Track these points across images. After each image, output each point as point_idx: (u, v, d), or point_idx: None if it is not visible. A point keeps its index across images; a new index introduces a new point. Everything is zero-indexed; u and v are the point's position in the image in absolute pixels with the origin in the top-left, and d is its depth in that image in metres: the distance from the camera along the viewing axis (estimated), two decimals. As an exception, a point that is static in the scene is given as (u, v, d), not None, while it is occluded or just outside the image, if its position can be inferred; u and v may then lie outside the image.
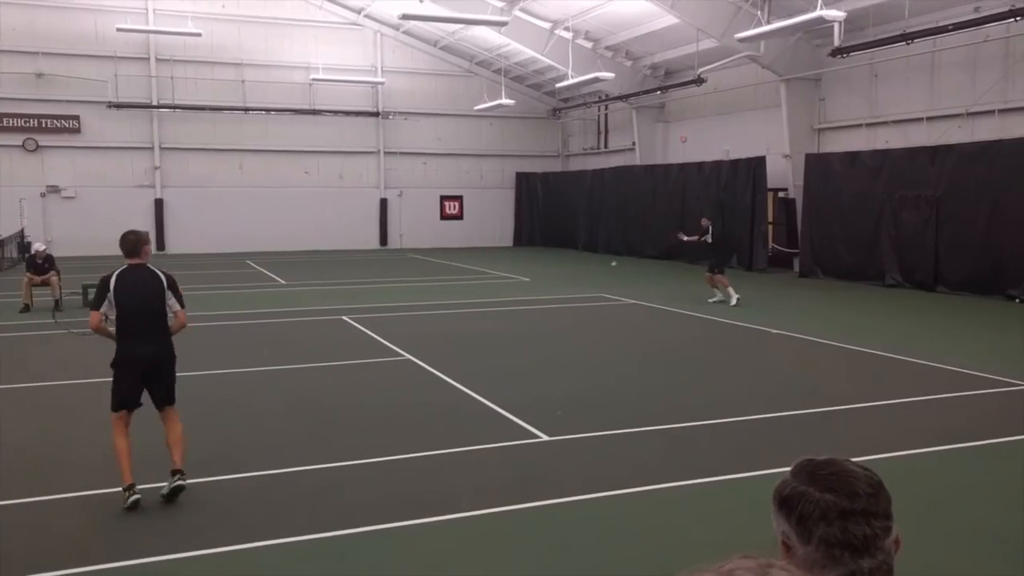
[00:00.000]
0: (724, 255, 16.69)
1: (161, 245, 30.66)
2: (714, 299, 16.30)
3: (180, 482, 5.72)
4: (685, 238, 17.76)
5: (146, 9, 29.84)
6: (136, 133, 30.64)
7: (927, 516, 5.40)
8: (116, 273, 5.91)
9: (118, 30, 27.49)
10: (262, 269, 24.75)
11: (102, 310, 5.83)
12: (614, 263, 25.97)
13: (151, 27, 28.96)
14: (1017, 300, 15.98)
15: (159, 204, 30.95)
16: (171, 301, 6.07)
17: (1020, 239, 16.07)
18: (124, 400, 5.89)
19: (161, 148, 30.98)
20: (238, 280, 21.84)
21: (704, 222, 17.18)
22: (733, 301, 15.75)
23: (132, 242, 6.00)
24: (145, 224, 30.49)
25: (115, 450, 5.75)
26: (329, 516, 5.55)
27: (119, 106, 29.91)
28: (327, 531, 5.27)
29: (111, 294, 5.82)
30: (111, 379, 5.95)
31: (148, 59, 30.43)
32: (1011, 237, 16.26)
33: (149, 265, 6.08)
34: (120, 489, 5.65)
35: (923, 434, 7.44)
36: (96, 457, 6.57)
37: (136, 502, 5.55)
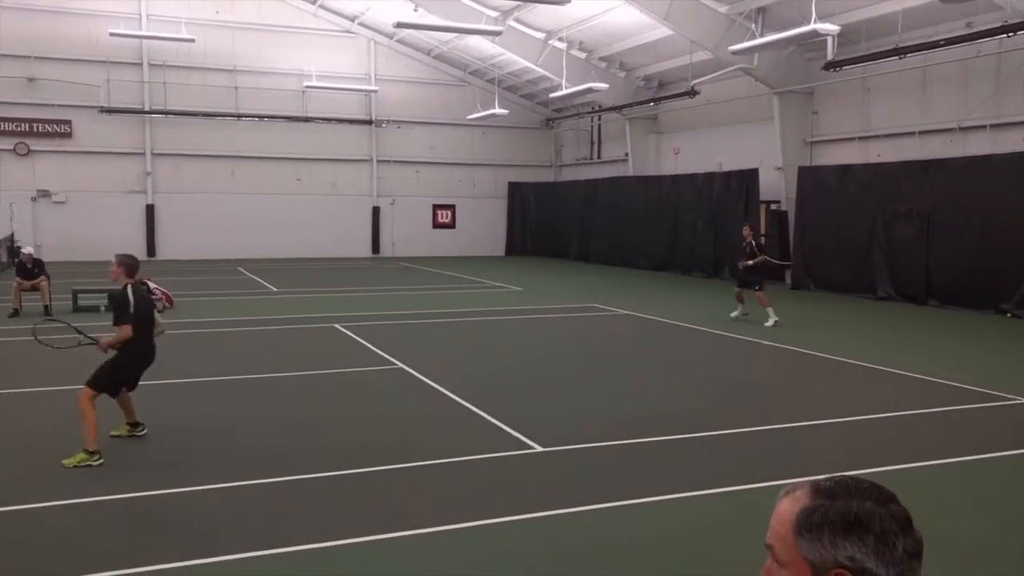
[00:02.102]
0: (762, 270, 15.37)
1: (152, 251, 30.56)
2: (735, 313, 15.53)
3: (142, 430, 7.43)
4: (749, 263, 15.34)
5: (139, 14, 29.78)
6: (128, 138, 30.53)
7: (923, 532, 5.36)
8: (130, 289, 7.14)
9: (111, 35, 27.39)
10: (254, 276, 24.64)
11: (134, 320, 7.04)
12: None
13: (144, 32, 28.87)
14: (1008, 314, 16.03)
15: (150, 210, 30.81)
16: (157, 314, 7.56)
17: (1011, 254, 16.14)
18: (117, 387, 7.09)
19: (153, 154, 30.87)
20: (229, 287, 21.73)
21: (747, 231, 15.60)
22: (770, 322, 14.68)
23: (136, 264, 7.37)
24: (136, 230, 30.49)
25: (87, 421, 6.71)
26: (315, 527, 5.48)
27: (111, 111, 29.81)
28: (312, 543, 5.20)
29: (133, 306, 7.05)
30: (112, 367, 7.01)
31: (141, 64, 30.35)
32: (1002, 251, 16.33)
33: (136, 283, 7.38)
34: (82, 454, 6.64)
35: (916, 448, 7.42)
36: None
37: (101, 463, 6.66)
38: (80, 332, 7.30)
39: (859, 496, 1.32)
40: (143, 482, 6.32)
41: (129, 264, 7.23)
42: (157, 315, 7.52)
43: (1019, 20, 15.57)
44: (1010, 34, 15.89)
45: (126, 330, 6.98)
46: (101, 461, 6.68)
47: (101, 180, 30.15)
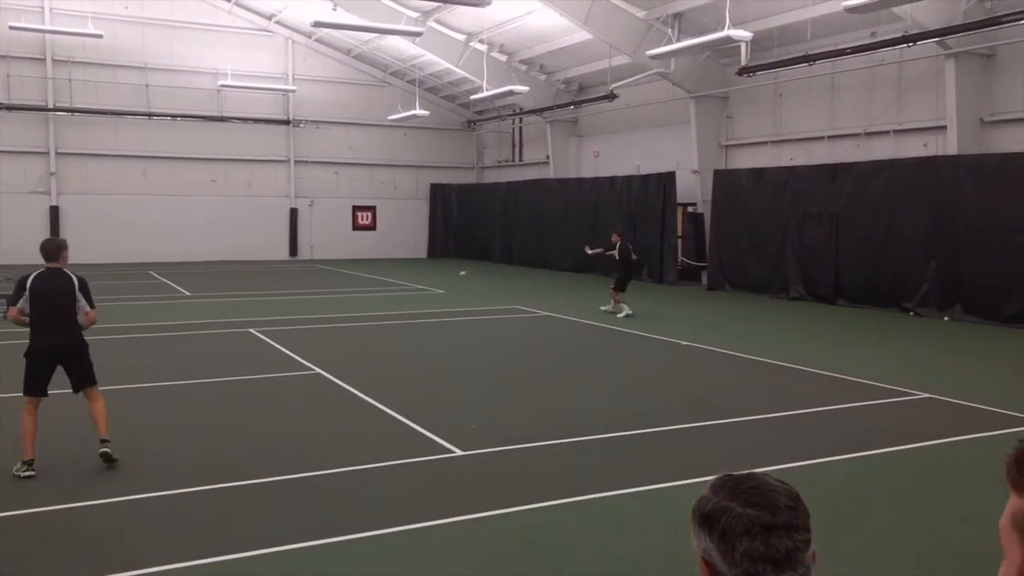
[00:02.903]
0: (625, 274, 16.78)
1: (57, 254, 29.27)
2: (605, 308, 16.87)
3: (106, 449, 6.60)
4: (590, 251, 18.42)
5: (42, 8, 28.52)
6: (30, 137, 29.19)
7: (833, 526, 5.51)
8: (33, 275, 6.76)
9: (11, 28, 26.17)
10: (166, 280, 23.88)
11: (19, 305, 6.63)
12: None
13: (47, 27, 27.69)
14: (911, 312, 16.71)
15: (55, 211, 29.51)
16: (81, 302, 6.83)
17: (914, 254, 16.83)
18: (33, 387, 6.69)
19: (57, 153, 29.59)
20: (140, 292, 21.01)
21: (614, 237, 17.51)
22: (622, 314, 16.20)
23: (51, 248, 6.90)
24: (39, 232, 29.07)
25: (21, 429, 6.51)
26: (231, 538, 5.31)
27: (11, 108, 28.45)
28: (227, 554, 5.04)
29: (27, 293, 6.65)
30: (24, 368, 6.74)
31: (44, 60, 29.08)
32: (905, 252, 17.01)
33: (66, 270, 6.88)
34: (19, 463, 6.44)
35: (825, 443, 7.63)
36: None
37: (31, 476, 6.39)
38: None
39: (731, 494, 1.37)
40: (51, 496, 6.02)
41: (41, 248, 6.88)
42: (83, 301, 6.79)
43: (918, 31, 16.27)
44: (910, 44, 16.57)
45: (9, 312, 6.78)
46: (29, 473, 6.42)
47: (2, 180, 28.75)
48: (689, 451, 7.45)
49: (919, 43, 16.45)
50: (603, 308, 16.97)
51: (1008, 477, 1.20)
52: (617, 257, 17.02)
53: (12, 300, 6.74)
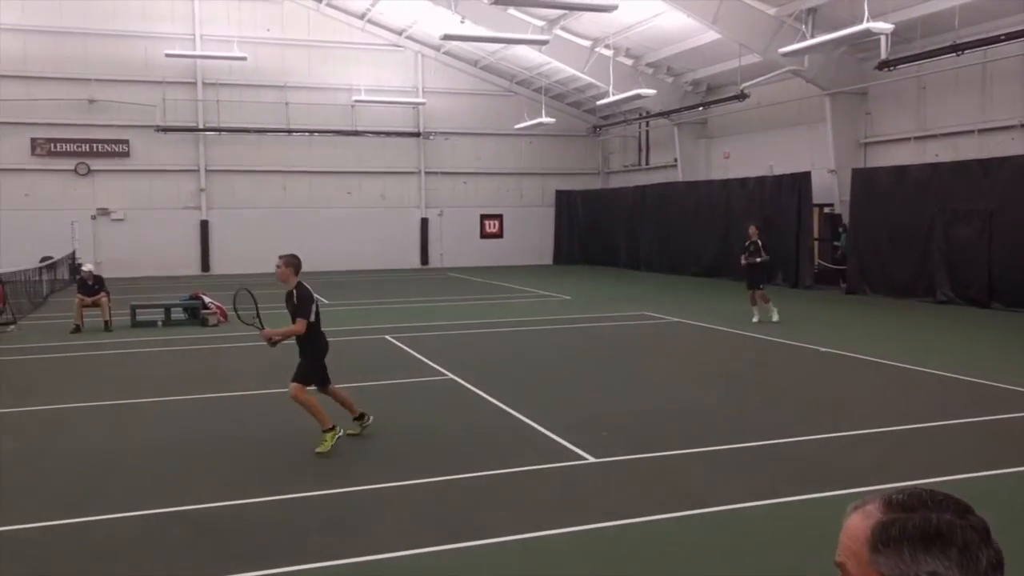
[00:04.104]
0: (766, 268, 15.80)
1: (206, 266, 31.18)
2: (756, 318, 15.58)
3: (369, 420, 7.98)
4: (746, 261, 15.92)
5: (194, 35, 30.50)
6: (183, 156, 31.25)
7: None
8: (306, 286, 7.73)
9: (167, 56, 28.13)
10: (305, 289, 24.90)
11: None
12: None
13: (198, 52, 29.59)
14: (1077, 317, 15.44)
15: (204, 225, 31.46)
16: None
17: (1079, 253, 15.55)
18: (319, 379, 7.73)
19: (207, 170, 31.53)
20: (282, 300, 21.99)
21: (752, 231, 15.87)
22: (775, 317, 15.32)
23: (300, 262, 7.91)
24: (192, 245, 31.13)
25: (312, 406, 7.41)
26: (372, 539, 5.47)
27: (167, 130, 30.54)
28: (360, 556, 5.19)
29: (316, 304, 7.71)
30: (308, 361, 7.69)
31: (195, 83, 31.07)
32: (1070, 251, 15.74)
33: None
34: (327, 432, 7.34)
35: (987, 455, 7.14)
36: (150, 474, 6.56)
37: (365, 427, 7.84)
38: (259, 317, 8.00)
39: (936, 508, 1.26)
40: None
41: (296, 263, 7.72)
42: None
43: (1083, 12, 15.06)
44: (1073, 27, 15.36)
45: (301, 325, 7.53)
46: (343, 431, 7.44)
47: (157, 197, 30.90)
48: (823, 462, 7.13)
49: (1083, 25, 15.23)
50: (755, 319, 15.47)
51: None
52: (765, 255, 15.68)
53: (306, 313, 7.62)
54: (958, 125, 19.60)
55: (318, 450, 7.25)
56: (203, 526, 5.79)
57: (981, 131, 18.98)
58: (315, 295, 7.77)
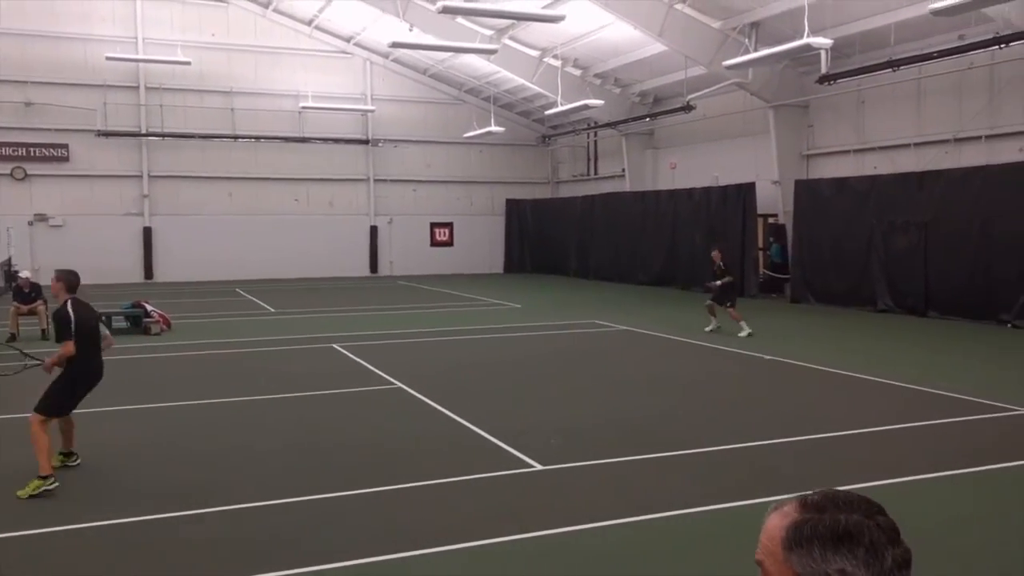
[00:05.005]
0: (734, 288, 16.27)
1: (150, 273, 30.55)
2: (709, 327, 15.82)
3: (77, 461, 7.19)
4: (711, 284, 16.25)
5: (136, 38, 29.89)
6: (125, 161, 30.57)
7: (925, 544, 5.31)
8: (70, 306, 6.95)
9: (107, 59, 27.52)
10: (251, 297, 24.60)
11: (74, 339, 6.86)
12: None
13: (140, 56, 29.00)
14: (1009, 325, 16.00)
15: (147, 232, 30.80)
16: (103, 328, 7.39)
17: (1010, 263, 16.12)
18: (66, 407, 6.96)
19: (150, 176, 30.90)
20: (227, 308, 21.68)
21: (715, 254, 16.21)
22: (744, 333, 15.20)
23: (76, 279, 7.19)
24: (134, 252, 30.47)
25: (39, 446, 6.54)
26: (318, 549, 5.42)
27: (108, 134, 29.86)
28: (314, 565, 5.14)
29: (72, 321, 6.87)
30: (59, 387, 6.84)
31: (137, 87, 30.44)
32: (1001, 261, 16.31)
33: (81, 298, 7.19)
34: (39, 479, 6.48)
35: (917, 461, 7.36)
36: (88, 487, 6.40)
37: (56, 486, 6.52)
38: (27, 355, 7.35)
39: (847, 509, 1.32)
40: (129, 509, 6.25)
41: (68, 280, 7.09)
42: (104, 329, 7.43)
43: (1011, 32, 15.64)
44: (1002, 46, 15.95)
45: (68, 347, 6.81)
46: (56, 484, 6.51)
47: (98, 203, 30.16)
48: (769, 467, 7.27)
49: (1012, 44, 15.81)
50: (707, 328, 15.80)
51: None
52: (731, 278, 16.04)
53: (67, 334, 6.85)
54: (895, 138, 20.19)
55: (18, 492, 6.40)
56: (132, 541, 5.67)
57: (917, 144, 19.58)
58: (81, 316, 6.92)
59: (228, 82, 31.35)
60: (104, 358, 7.28)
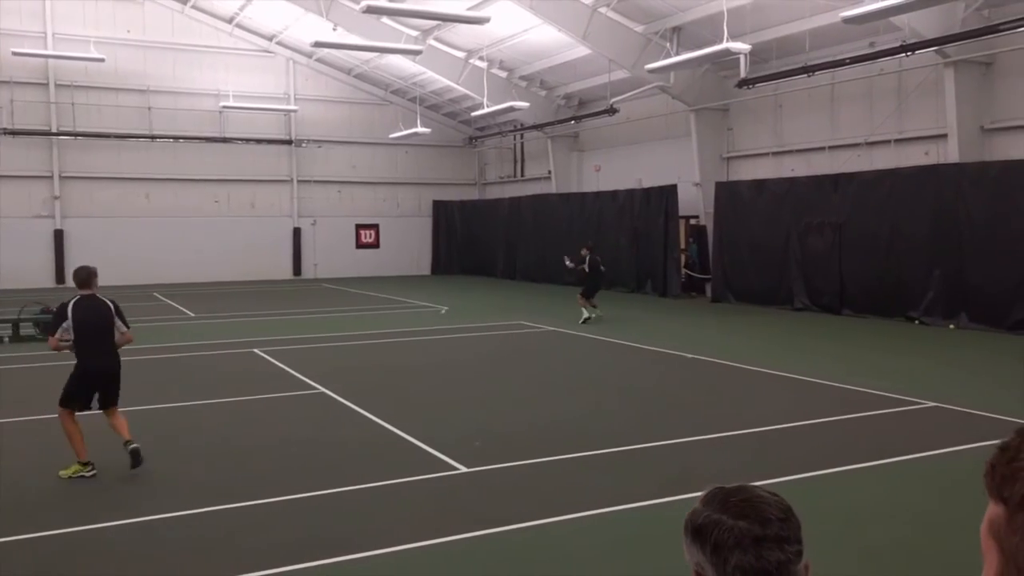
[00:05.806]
0: (594, 282, 18.23)
1: (61, 278, 29.31)
2: (583, 320, 17.41)
3: (135, 445, 7.03)
4: (569, 264, 18.88)
5: (45, 33, 28.73)
6: (34, 161, 29.32)
7: (834, 537, 5.46)
8: (72, 303, 7.15)
9: (14, 54, 26.36)
10: (170, 302, 23.90)
11: (58, 334, 7.09)
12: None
13: (50, 52, 27.88)
14: (917, 321, 16.65)
15: (59, 235, 29.60)
16: (118, 323, 7.35)
17: (917, 263, 16.79)
18: (74, 400, 7.10)
19: (61, 177, 29.71)
20: (144, 313, 20.98)
21: (583, 251, 18.46)
22: (582, 319, 17.33)
23: (84, 276, 7.29)
24: (44, 256, 29.26)
25: (68, 434, 6.97)
26: (234, 559, 5.28)
27: (15, 133, 28.61)
28: (235, 574, 5.01)
29: (69, 321, 7.07)
30: (68, 383, 7.15)
31: (47, 84, 29.27)
32: (909, 261, 16.97)
33: (98, 295, 7.35)
34: (75, 465, 6.94)
35: (829, 455, 7.58)
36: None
37: (94, 474, 6.92)
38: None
39: (722, 506, 1.36)
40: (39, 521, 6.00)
41: (76, 275, 7.36)
42: (120, 324, 7.38)
43: (917, 40, 16.29)
44: (909, 53, 16.60)
45: (51, 341, 7.17)
46: (94, 472, 6.92)
47: (6, 205, 28.82)
48: (692, 465, 7.40)
49: (918, 52, 16.48)
50: (582, 321, 17.42)
51: (985, 483, 1.17)
52: (587, 269, 18.21)
53: (52, 329, 7.21)
54: (811, 142, 20.82)
55: (60, 472, 6.97)
56: (48, 551, 5.44)
57: (831, 148, 20.23)
58: (89, 318, 7.16)
59: (145, 80, 30.39)
60: (121, 353, 7.49)
